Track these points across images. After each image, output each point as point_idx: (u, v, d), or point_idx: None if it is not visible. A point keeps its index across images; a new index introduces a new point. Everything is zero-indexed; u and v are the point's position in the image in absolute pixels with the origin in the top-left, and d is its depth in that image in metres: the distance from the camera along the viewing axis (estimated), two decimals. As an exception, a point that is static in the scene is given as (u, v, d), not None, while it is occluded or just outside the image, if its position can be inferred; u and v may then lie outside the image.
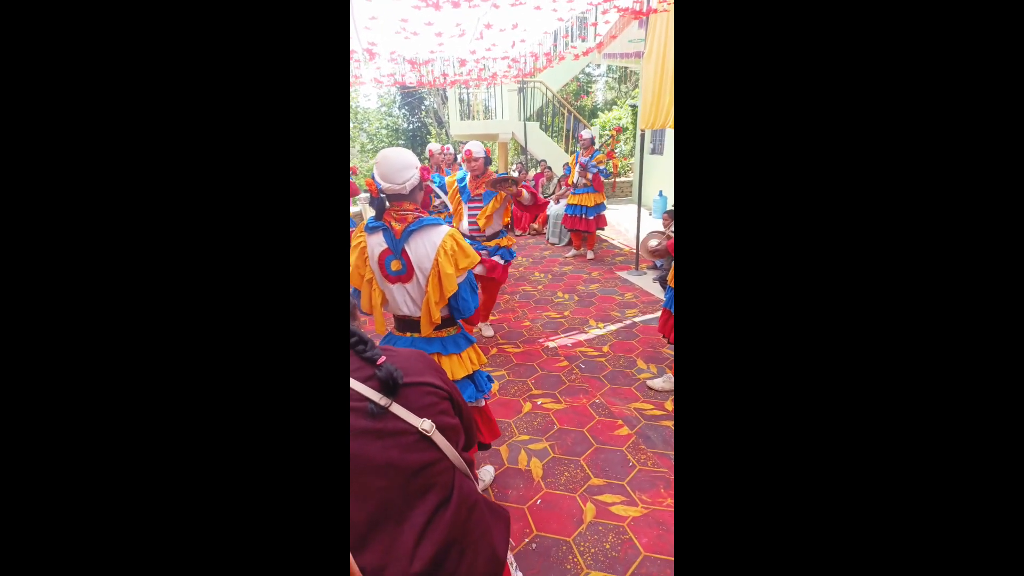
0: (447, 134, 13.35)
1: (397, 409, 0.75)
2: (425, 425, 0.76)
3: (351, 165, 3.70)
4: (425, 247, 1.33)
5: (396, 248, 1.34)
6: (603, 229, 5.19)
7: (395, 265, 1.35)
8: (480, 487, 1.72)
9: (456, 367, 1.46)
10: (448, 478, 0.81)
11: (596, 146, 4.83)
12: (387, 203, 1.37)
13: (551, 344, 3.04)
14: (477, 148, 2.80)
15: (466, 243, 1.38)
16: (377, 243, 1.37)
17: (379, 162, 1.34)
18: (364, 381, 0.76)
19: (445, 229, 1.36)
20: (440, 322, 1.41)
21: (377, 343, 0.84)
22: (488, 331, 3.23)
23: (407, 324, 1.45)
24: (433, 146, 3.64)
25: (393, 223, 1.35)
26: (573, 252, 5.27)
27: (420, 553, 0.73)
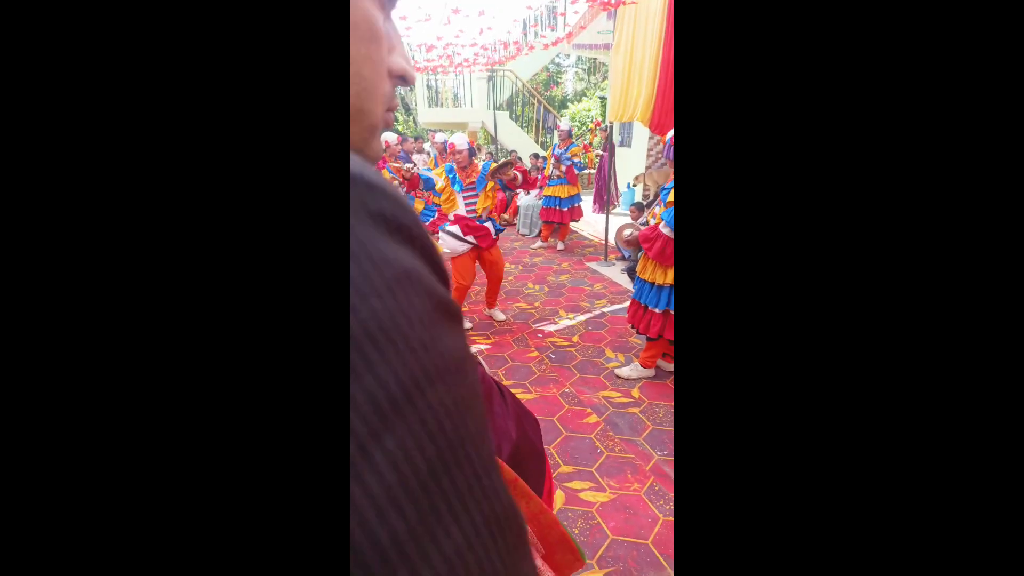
0: (415, 121, 13.06)
1: None
2: None
3: (415, 172, 3.45)
4: None
5: None
6: (577, 220, 5.25)
7: None
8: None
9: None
10: None
11: (573, 138, 4.86)
12: None
13: (542, 329, 3.06)
14: (461, 141, 2.87)
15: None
16: None
17: None
18: None
19: None
20: None
21: None
22: (500, 315, 3.32)
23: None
24: (389, 136, 3.48)
25: None
26: (539, 244, 5.31)
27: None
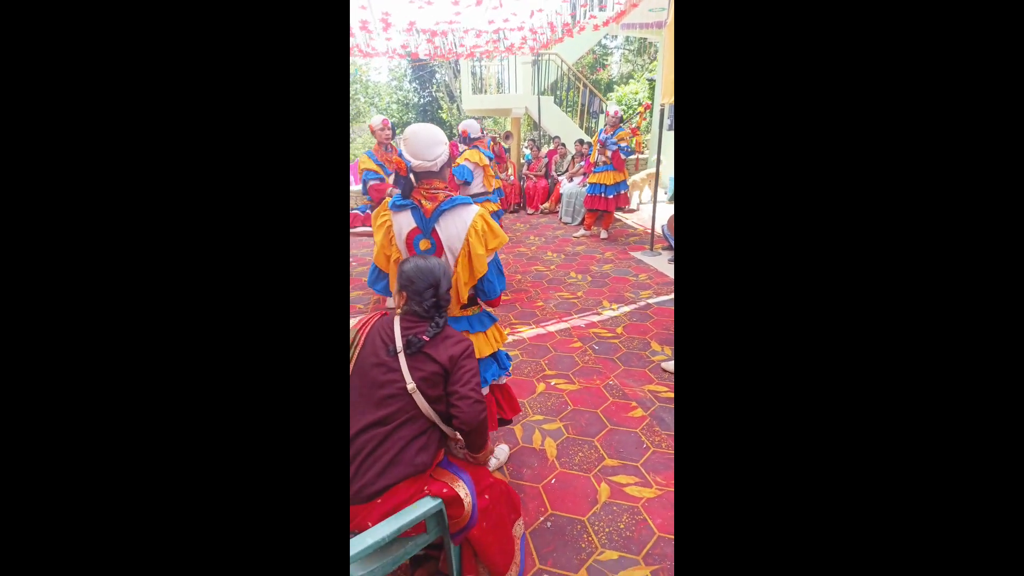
0: (459, 108, 13.08)
1: (402, 360, 1.11)
2: (410, 386, 1.09)
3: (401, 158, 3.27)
4: (456, 227, 1.31)
5: (426, 227, 1.33)
6: (623, 209, 5.11)
7: (424, 244, 1.34)
8: (495, 465, 1.75)
9: (482, 345, 1.46)
10: (419, 424, 1.12)
11: (622, 122, 4.69)
12: (415, 181, 1.35)
13: (564, 325, 3.04)
14: (472, 126, 3.34)
15: (495, 223, 1.36)
16: (405, 222, 1.35)
17: (408, 138, 1.30)
18: (408, 329, 1.14)
19: (475, 209, 1.33)
20: (467, 301, 1.41)
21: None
22: None
23: (431, 303, 1.45)
24: (374, 120, 3.36)
25: (423, 201, 1.33)
26: (583, 232, 5.21)
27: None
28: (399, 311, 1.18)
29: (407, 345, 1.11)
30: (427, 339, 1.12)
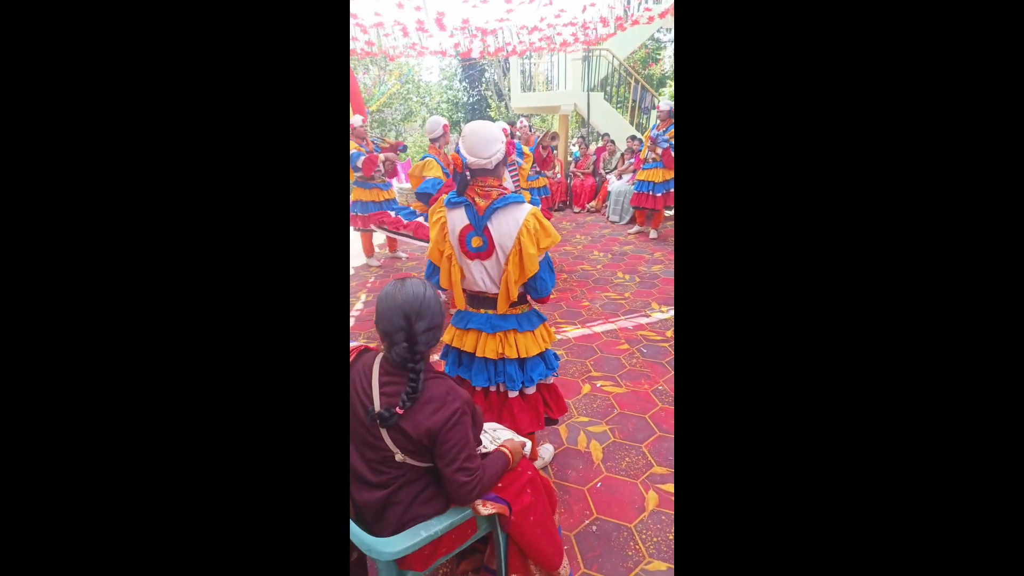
0: (507, 106, 13.15)
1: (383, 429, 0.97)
2: (398, 457, 0.97)
3: (399, 140, 4.01)
4: (508, 225, 1.31)
5: (478, 225, 1.33)
6: (672, 207, 4.95)
7: (476, 242, 1.35)
8: (539, 464, 1.74)
9: (530, 344, 1.46)
10: (421, 482, 1.02)
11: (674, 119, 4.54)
12: (469, 178, 1.36)
13: (611, 326, 2.98)
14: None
15: (547, 222, 1.34)
16: (459, 219, 1.36)
17: (466, 135, 1.31)
18: (386, 383, 0.97)
19: (528, 207, 1.33)
20: (516, 299, 1.41)
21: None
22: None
23: (481, 301, 1.46)
24: (354, 119, 3.94)
25: (477, 199, 1.34)
26: (636, 228, 5.09)
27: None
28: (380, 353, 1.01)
29: (380, 418, 0.93)
30: (400, 412, 0.92)
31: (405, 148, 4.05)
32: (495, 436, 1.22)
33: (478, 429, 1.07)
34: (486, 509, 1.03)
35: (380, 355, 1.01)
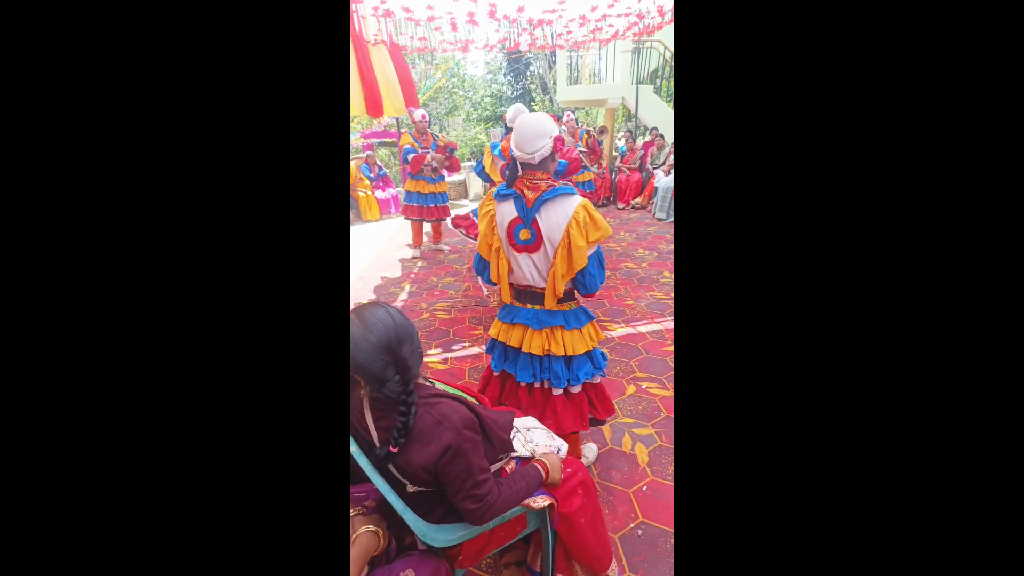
0: (551, 100, 13.01)
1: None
2: (411, 489, 0.95)
3: (452, 141, 4.18)
4: (557, 217, 1.28)
5: (527, 217, 1.31)
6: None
7: (524, 235, 1.33)
8: (584, 464, 1.71)
9: (576, 342, 1.42)
10: (443, 507, 0.98)
11: None
12: (519, 170, 1.34)
13: (656, 326, 2.88)
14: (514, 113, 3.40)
15: (598, 214, 1.30)
16: (508, 211, 1.35)
17: (516, 128, 1.30)
18: (379, 420, 0.93)
19: (578, 199, 1.29)
20: (563, 295, 1.38)
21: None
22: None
23: (528, 295, 1.44)
24: (415, 113, 4.13)
25: (525, 191, 1.32)
26: None
27: None
28: (363, 394, 0.90)
29: (380, 457, 0.91)
30: (394, 450, 0.87)
31: (455, 150, 4.16)
32: (528, 437, 1.17)
33: (493, 444, 1.01)
34: (537, 504, 1.01)
35: (363, 398, 0.91)
